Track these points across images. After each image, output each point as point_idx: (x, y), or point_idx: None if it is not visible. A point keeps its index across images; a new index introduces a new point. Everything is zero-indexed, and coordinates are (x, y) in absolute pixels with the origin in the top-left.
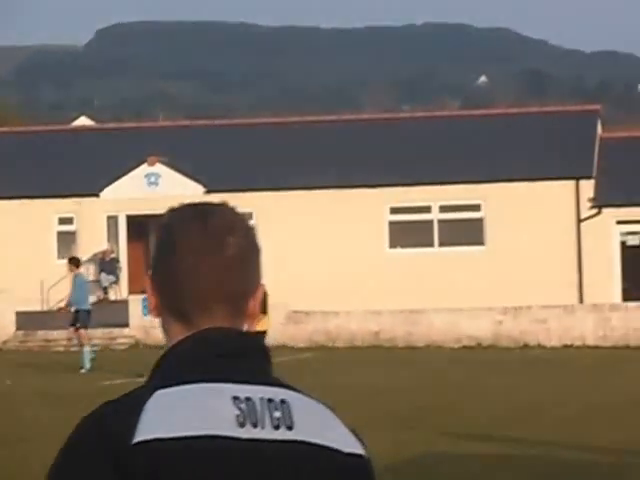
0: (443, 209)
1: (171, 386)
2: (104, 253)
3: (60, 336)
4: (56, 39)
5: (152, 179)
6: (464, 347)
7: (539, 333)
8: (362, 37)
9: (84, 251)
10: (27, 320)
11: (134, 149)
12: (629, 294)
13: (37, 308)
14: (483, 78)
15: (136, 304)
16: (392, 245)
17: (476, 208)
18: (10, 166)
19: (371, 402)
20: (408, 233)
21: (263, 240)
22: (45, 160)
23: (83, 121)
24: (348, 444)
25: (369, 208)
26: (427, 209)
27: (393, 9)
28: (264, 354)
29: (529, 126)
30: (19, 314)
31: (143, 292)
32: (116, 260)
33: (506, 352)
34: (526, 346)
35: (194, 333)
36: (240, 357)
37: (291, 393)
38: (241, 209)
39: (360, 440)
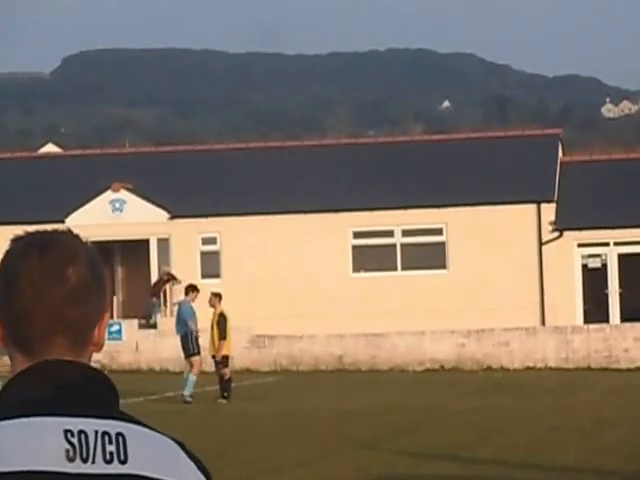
0: (406, 233)
1: (2, 419)
2: None
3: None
4: (22, 66)
5: (117, 205)
6: (427, 370)
7: (502, 355)
8: (326, 63)
9: None
10: None
11: (99, 175)
12: (590, 316)
13: None
14: (446, 103)
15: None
16: (355, 269)
17: (438, 232)
18: None
19: (334, 425)
20: (371, 257)
21: (227, 265)
22: (12, 187)
23: (50, 148)
24: (187, 478)
25: (332, 232)
26: (390, 233)
27: (357, 35)
28: (105, 386)
29: (491, 150)
30: None
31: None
32: None
33: (469, 375)
34: (489, 368)
35: (31, 366)
36: (77, 389)
37: (131, 427)
38: (206, 234)
39: (206, 475)
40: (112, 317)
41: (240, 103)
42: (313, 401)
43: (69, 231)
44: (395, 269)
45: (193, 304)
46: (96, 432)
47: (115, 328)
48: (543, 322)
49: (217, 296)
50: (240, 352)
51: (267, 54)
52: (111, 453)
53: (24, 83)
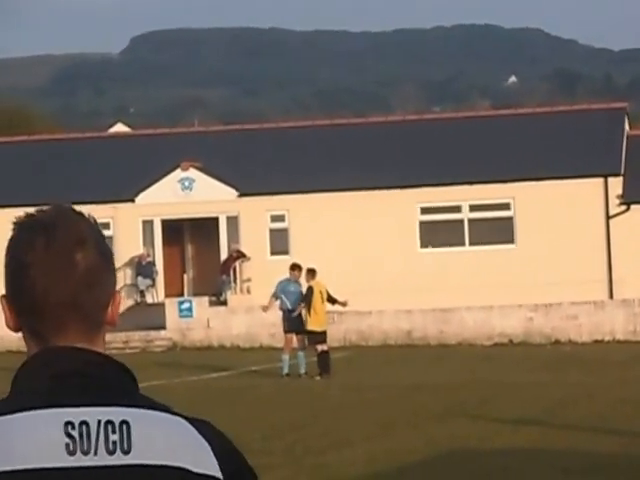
0: (473, 208)
1: (5, 414)
2: (140, 257)
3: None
4: (91, 47)
5: (186, 184)
6: (496, 344)
7: (570, 329)
8: (392, 40)
9: (121, 256)
10: None
11: (168, 154)
12: None
13: None
14: (512, 78)
15: (172, 307)
16: (423, 245)
17: (506, 207)
18: (47, 173)
19: (403, 400)
20: (439, 233)
21: (296, 242)
22: (82, 167)
23: (119, 128)
24: (201, 464)
25: (400, 208)
26: (457, 209)
27: (422, 11)
28: (115, 371)
29: (558, 125)
30: None
31: (179, 295)
32: (152, 264)
33: (537, 349)
34: (557, 342)
35: (36, 353)
36: (82, 376)
37: (139, 412)
38: (275, 212)
39: (225, 455)
40: (183, 295)
41: (307, 81)
42: (382, 376)
43: (72, 210)
44: (463, 244)
45: (296, 282)
46: (99, 422)
47: (186, 305)
48: (611, 295)
49: (310, 271)
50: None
51: (333, 32)
52: (114, 443)
53: (93, 64)
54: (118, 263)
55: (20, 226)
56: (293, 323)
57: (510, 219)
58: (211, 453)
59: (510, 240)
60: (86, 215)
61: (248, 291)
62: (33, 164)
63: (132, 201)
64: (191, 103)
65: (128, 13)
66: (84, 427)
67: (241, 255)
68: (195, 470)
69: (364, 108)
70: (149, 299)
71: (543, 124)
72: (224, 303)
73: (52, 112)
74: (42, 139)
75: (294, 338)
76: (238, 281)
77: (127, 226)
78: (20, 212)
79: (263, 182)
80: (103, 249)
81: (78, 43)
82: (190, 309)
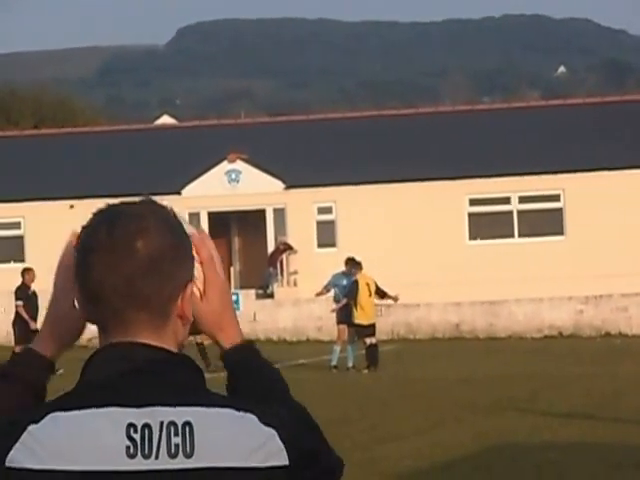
0: (522, 200)
1: (67, 409)
2: None
3: None
4: (137, 39)
5: (233, 176)
6: (545, 337)
7: (620, 321)
8: (441, 30)
9: None
10: None
11: (215, 147)
12: None
13: None
14: (562, 69)
15: None
16: (472, 237)
17: (556, 198)
18: (93, 165)
19: (452, 393)
20: (488, 224)
21: (343, 234)
22: (127, 159)
23: (165, 120)
24: (268, 457)
25: (448, 200)
26: (507, 200)
27: (472, 2)
28: (181, 368)
29: (608, 115)
30: None
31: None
32: None
33: (587, 341)
34: (607, 335)
35: (101, 348)
36: (147, 374)
37: (203, 411)
38: (322, 203)
39: (294, 441)
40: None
41: (355, 72)
42: (431, 369)
43: (145, 201)
44: (512, 236)
45: (350, 275)
46: (161, 424)
47: (233, 299)
48: None
49: (355, 265)
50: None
51: (382, 22)
52: (176, 446)
53: (140, 55)
54: None
55: (92, 216)
56: (345, 315)
57: (560, 210)
58: (277, 440)
59: (560, 232)
60: (165, 206)
61: (295, 284)
62: (78, 157)
63: (178, 193)
64: (238, 94)
65: (175, 4)
66: (146, 430)
67: (288, 247)
68: (263, 465)
69: (412, 99)
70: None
71: (593, 115)
72: (271, 296)
73: (98, 104)
74: (87, 131)
75: (346, 330)
76: (285, 274)
77: None
78: (65, 205)
79: (310, 174)
80: (173, 240)
81: (125, 34)
82: (237, 302)
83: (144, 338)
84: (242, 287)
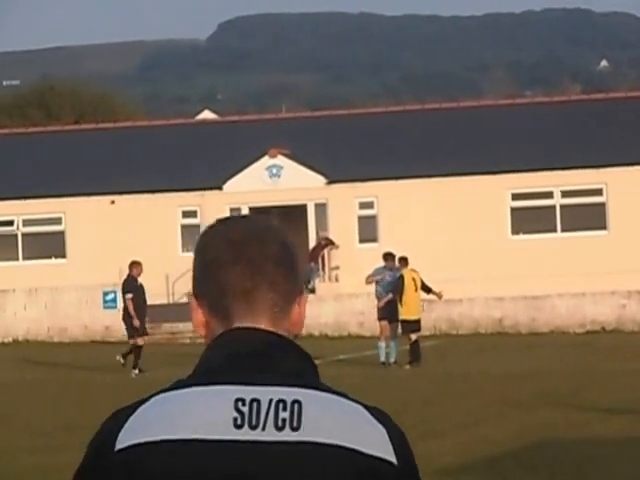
0: (565, 194)
1: (177, 389)
2: None
3: (186, 328)
4: (179, 33)
5: (274, 171)
6: (588, 332)
7: None
8: (482, 24)
9: None
10: (153, 313)
11: (256, 141)
12: None
13: (163, 301)
14: (604, 62)
15: None
16: (514, 231)
17: (598, 192)
18: (134, 161)
19: (494, 389)
20: (530, 219)
21: (385, 229)
22: (168, 154)
23: (207, 114)
24: (374, 446)
25: (491, 195)
26: (549, 194)
27: None
28: (293, 353)
29: None
30: None
31: None
32: None
33: (630, 336)
34: None
35: (221, 333)
36: (258, 356)
37: (313, 393)
38: (363, 198)
39: (400, 444)
40: None
41: (396, 66)
42: (472, 365)
43: (263, 217)
44: (555, 231)
45: (391, 270)
46: (270, 400)
47: None
48: None
49: (401, 260)
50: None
51: (423, 16)
52: (283, 420)
53: (181, 50)
54: None
55: (213, 224)
56: (386, 311)
57: (602, 205)
58: (387, 438)
59: (602, 226)
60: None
61: (336, 279)
62: (119, 152)
63: (219, 189)
64: (279, 89)
65: None
66: (255, 404)
67: (329, 243)
68: (367, 452)
69: (454, 93)
70: None
71: (635, 109)
72: (312, 291)
73: (139, 99)
74: (128, 126)
75: (388, 325)
76: (326, 269)
77: (214, 214)
78: (106, 200)
79: (352, 168)
80: (289, 246)
81: (166, 29)
82: None
83: (264, 325)
84: None
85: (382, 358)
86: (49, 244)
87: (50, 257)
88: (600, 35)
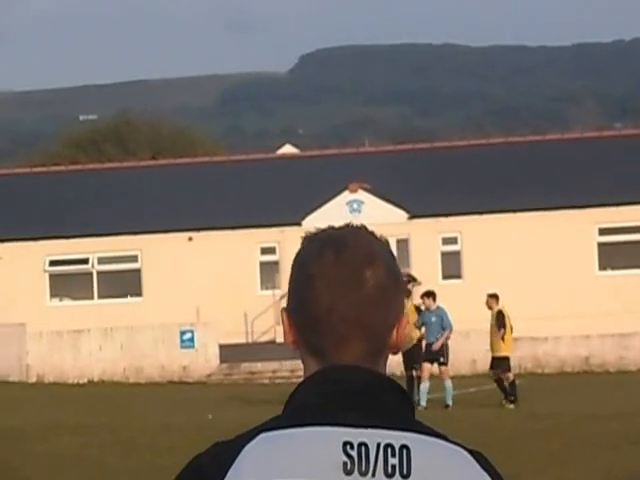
0: None
1: (280, 428)
2: None
3: (265, 368)
4: (259, 66)
5: (354, 206)
6: None
7: None
8: (570, 54)
9: (286, 281)
10: (231, 353)
11: (337, 176)
12: None
13: (241, 340)
14: None
15: None
16: (602, 267)
17: None
18: (212, 197)
19: (579, 429)
20: (618, 254)
21: (469, 264)
22: (247, 190)
23: (287, 149)
24: None
25: (577, 229)
26: (637, 229)
27: (601, 25)
28: (394, 394)
29: None
30: (223, 347)
31: None
32: None
33: None
34: None
35: (319, 370)
36: (362, 397)
37: (418, 438)
38: (446, 234)
39: None
40: None
41: (482, 98)
42: (557, 404)
43: (364, 228)
44: None
45: (433, 311)
46: (378, 445)
47: None
48: None
49: (493, 297)
50: (483, 355)
51: (509, 46)
52: (393, 467)
53: (261, 83)
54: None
55: (309, 239)
56: (432, 352)
57: None
58: None
59: None
60: (378, 234)
61: None
62: (196, 187)
63: (299, 224)
64: (361, 122)
65: (296, 32)
66: (363, 448)
67: (412, 279)
68: None
69: (541, 125)
70: None
71: None
72: None
73: (218, 133)
74: (206, 161)
75: (430, 367)
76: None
77: (294, 250)
78: (183, 237)
79: (434, 203)
80: (393, 269)
81: (247, 62)
82: None
83: (363, 365)
84: None
85: (423, 402)
86: (125, 282)
87: (126, 296)
88: None
